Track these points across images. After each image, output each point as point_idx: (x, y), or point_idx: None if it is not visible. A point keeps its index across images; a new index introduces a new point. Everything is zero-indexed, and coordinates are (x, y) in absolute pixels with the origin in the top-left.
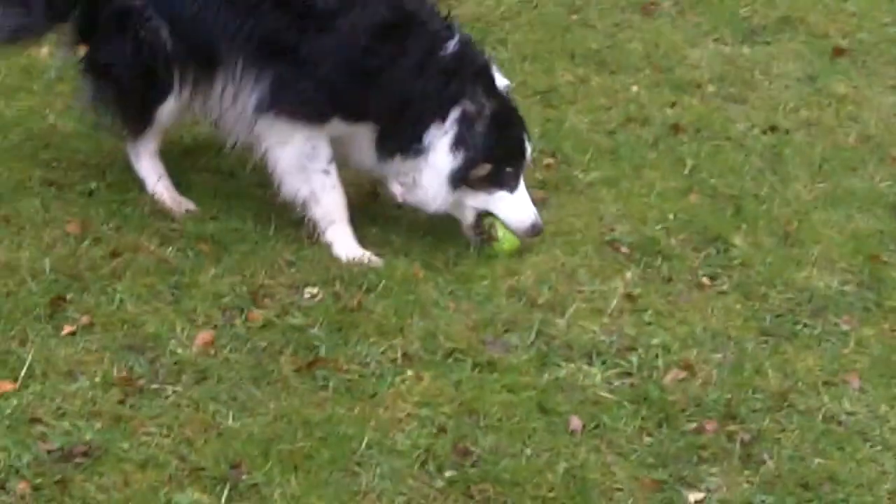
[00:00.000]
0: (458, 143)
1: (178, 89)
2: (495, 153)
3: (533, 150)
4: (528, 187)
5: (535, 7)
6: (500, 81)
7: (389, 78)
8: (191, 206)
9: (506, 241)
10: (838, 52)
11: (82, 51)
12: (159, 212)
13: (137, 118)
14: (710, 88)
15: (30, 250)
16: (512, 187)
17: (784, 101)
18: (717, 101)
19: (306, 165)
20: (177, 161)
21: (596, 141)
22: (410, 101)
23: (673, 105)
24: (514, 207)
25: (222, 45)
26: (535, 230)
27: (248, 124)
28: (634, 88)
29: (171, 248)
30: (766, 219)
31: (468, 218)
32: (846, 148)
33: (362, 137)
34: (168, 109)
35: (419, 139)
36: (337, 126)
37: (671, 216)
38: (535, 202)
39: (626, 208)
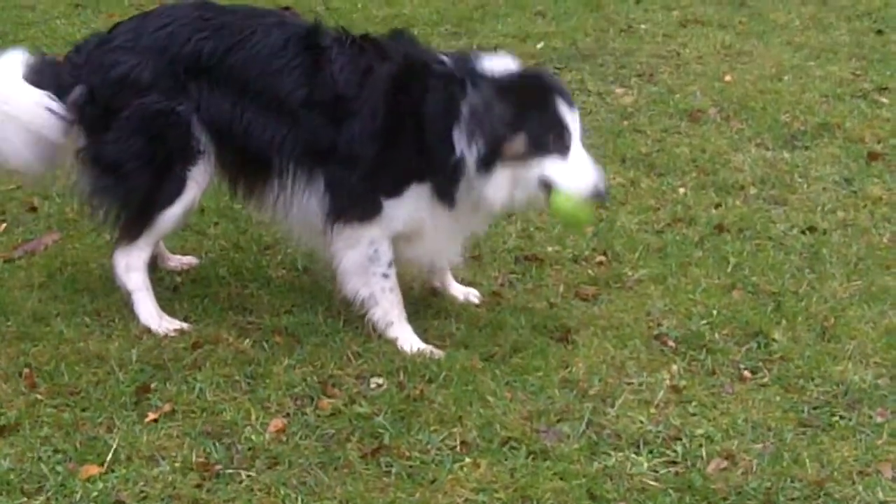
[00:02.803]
0: (471, 135)
1: (189, 196)
2: (519, 126)
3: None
4: (580, 284)
5: (589, 113)
6: (506, 64)
7: (409, 137)
8: (176, 324)
9: (563, 203)
10: (873, 156)
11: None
12: (238, 305)
13: (138, 221)
14: (753, 191)
15: (118, 341)
16: (562, 152)
17: (822, 203)
18: (759, 203)
19: (368, 268)
20: (255, 258)
21: (645, 240)
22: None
23: (717, 206)
24: (568, 173)
25: (273, 155)
26: (597, 194)
27: (317, 229)
28: (681, 190)
29: (248, 340)
30: (804, 315)
31: (539, 188)
32: (881, 247)
33: (425, 224)
34: (172, 214)
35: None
36: (395, 214)
37: (715, 312)
38: (586, 297)
39: (673, 304)
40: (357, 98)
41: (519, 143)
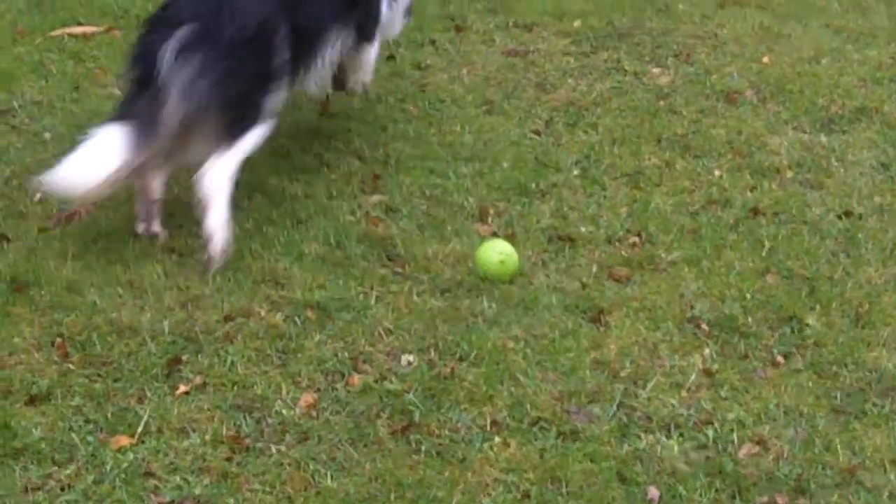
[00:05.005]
0: None
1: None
2: None
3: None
4: (613, 265)
5: (625, 93)
6: None
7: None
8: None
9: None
10: None
11: None
12: (271, 279)
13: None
14: (789, 174)
15: (151, 313)
16: None
17: (858, 188)
18: (795, 187)
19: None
20: (289, 232)
21: (679, 221)
22: None
23: (753, 189)
24: None
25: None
26: None
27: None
28: (717, 172)
29: (279, 314)
30: (838, 300)
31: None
32: None
33: None
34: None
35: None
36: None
37: (749, 295)
38: (619, 278)
39: (707, 287)
40: None
41: None
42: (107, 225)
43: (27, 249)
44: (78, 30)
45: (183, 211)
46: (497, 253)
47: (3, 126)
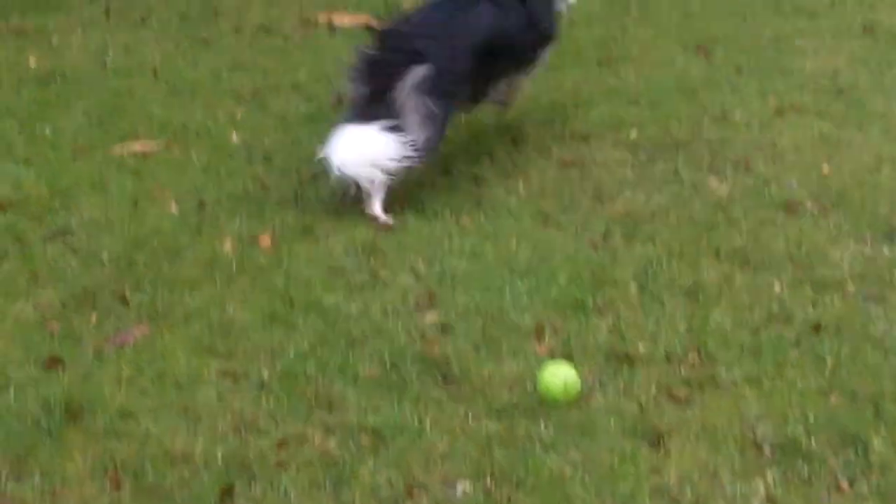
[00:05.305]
0: None
1: None
2: None
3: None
4: (672, 385)
5: (683, 205)
6: None
7: None
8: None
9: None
10: None
11: None
12: (324, 403)
13: None
14: (851, 288)
15: (204, 439)
16: None
17: None
18: (858, 301)
19: None
20: (343, 352)
21: (739, 339)
22: None
23: (814, 304)
24: None
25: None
26: None
27: None
28: (777, 287)
29: (333, 440)
30: None
31: None
32: None
33: None
34: None
35: None
36: None
37: (812, 416)
38: (678, 399)
39: (768, 407)
40: None
41: None
42: (161, 348)
43: (82, 374)
44: (137, 146)
45: (239, 329)
46: (560, 379)
47: (62, 246)
